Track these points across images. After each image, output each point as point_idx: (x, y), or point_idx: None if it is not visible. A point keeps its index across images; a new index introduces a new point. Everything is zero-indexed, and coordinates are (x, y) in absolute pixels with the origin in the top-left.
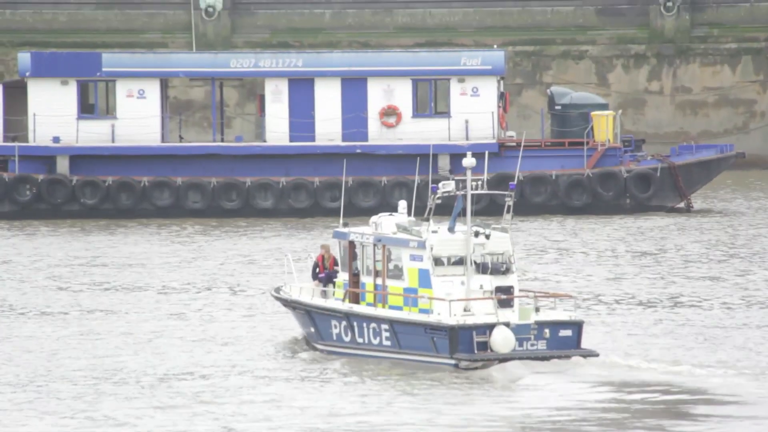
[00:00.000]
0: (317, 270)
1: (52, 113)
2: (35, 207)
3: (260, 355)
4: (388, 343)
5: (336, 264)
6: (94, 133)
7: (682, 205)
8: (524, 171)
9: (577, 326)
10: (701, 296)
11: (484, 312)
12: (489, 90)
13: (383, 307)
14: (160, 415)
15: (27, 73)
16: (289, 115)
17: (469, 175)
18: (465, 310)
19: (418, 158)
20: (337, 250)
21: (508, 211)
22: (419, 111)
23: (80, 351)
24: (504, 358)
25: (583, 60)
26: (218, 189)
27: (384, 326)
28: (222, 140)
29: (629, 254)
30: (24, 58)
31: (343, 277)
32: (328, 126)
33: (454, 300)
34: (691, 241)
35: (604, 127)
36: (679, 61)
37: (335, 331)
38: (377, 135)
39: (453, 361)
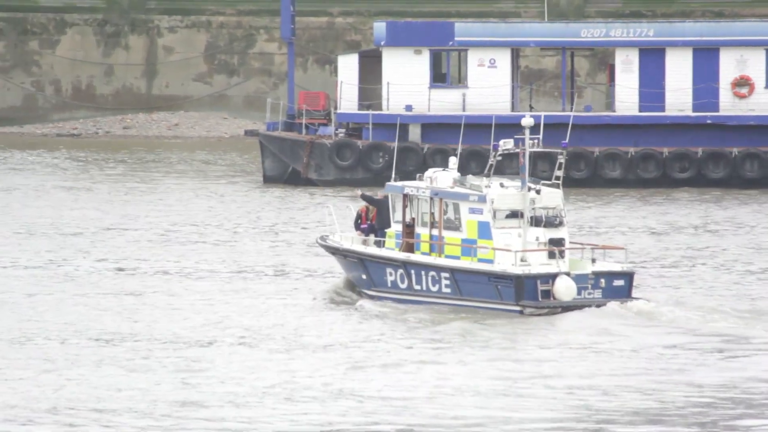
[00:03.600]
0: (359, 221)
1: (405, 82)
2: (387, 174)
3: None
4: (448, 290)
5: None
6: (445, 102)
7: None
8: None
9: (628, 276)
10: None
11: (538, 262)
12: None
13: (440, 256)
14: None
15: (382, 43)
16: (639, 84)
17: (527, 134)
18: (522, 261)
19: None
20: (390, 204)
21: (559, 168)
22: None
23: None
24: (567, 306)
25: None
26: (567, 159)
27: (444, 274)
28: (572, 110)
29: None
30: (380, 27)
31: (395, 228)
32: (679, 96)
33: (519, 251)
34: None
35: None
36: None
37: (390, 278)
38: (729, 105)
39: (518, 308)
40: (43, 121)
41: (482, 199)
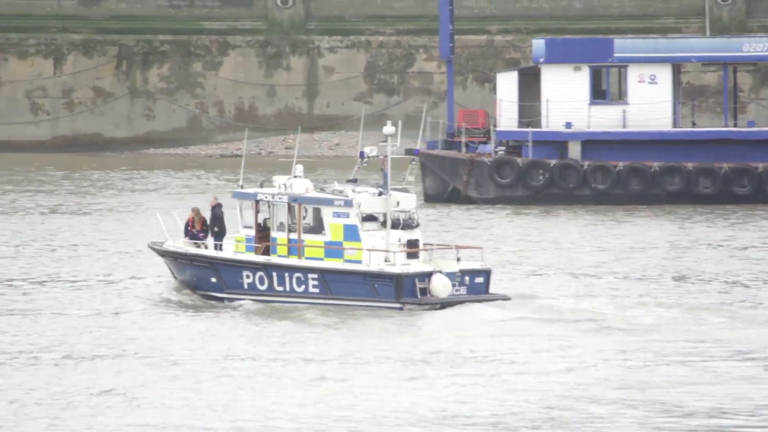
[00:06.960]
0: (188, 229)
1: (565, 99)
2: (547, 192)
3: None
4: (316, 290)
5: (204, 225)
6: (605, 119)
7: None
8: None
9: (487, 273)
10: None
11: (400, 263)
12: None
13: (300, 258)
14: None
15: (541, 60)
16: None
17: (389, 142)
18: (385, 261)
19: None
20: (237, 210)
21: (410, 174)
22: None
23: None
24: (444, 303)
25: None
26: (729, 174)
27: (312, 275)
28: (735, 125)
29: None
30: (538, 44)
31: (245, 233)
32: None
33: (399, 251)
34: None
35: None
36: None
37: (247, 280)
38: None
39: (398, 305)
40: (207, 142)
41: (349, 204)
